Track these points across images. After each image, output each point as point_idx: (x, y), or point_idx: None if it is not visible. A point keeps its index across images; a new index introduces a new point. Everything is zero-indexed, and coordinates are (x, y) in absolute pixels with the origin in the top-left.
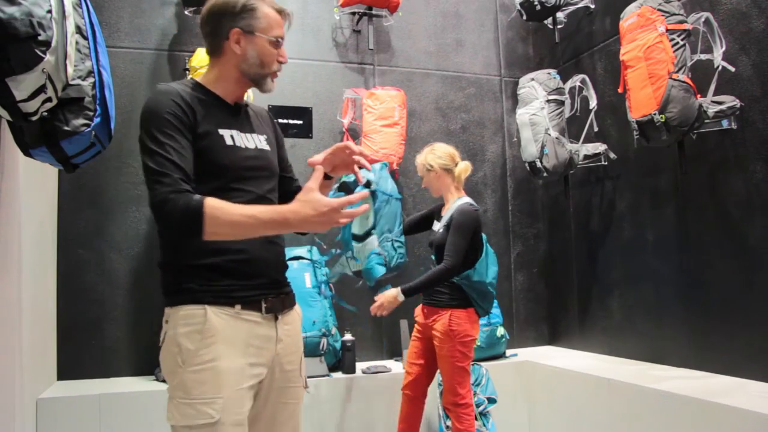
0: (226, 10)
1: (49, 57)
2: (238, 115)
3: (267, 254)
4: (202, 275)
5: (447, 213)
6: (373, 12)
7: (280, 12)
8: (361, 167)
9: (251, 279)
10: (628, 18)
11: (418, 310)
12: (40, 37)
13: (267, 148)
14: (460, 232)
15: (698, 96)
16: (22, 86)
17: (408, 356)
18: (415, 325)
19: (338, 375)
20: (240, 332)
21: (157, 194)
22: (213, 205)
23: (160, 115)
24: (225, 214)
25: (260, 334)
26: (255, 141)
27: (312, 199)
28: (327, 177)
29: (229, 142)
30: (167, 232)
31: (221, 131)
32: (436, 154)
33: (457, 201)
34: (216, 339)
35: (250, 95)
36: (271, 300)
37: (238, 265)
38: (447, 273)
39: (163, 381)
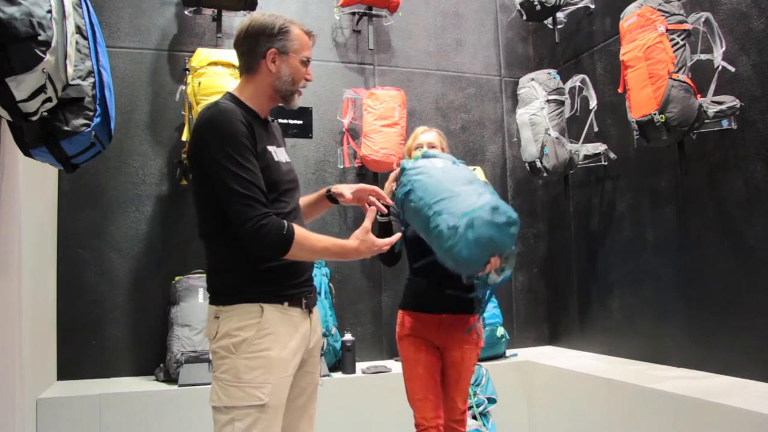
0: (264, 31)
1: (49, 57)
2: (269, 130)
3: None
4: (258, 278)
5: None
6: (373, 12)
7: (308, 34)
8: (371, 204)
9: (296, 279)
10: (628, 18)
11: (416, 323)
12: (40, 37)
13: (290, 160)
14: None
15: (698, 96)
16: (22, 86)
17: (428, 382)
18: (419, 342)
19: (338, 375)
20: (288, 326)
21: (249, 218)
22: (300, 234)
23: (238, 139)
24: (309, 243)
25: (302, 327)
26: (283, 155)
27: (368, 240)
28: (334, 201)
29: (275, 158)
30: (256, 251)
31: (269, 148)
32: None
33: None
34: (270, 331)
35: None
36: (308, 297)
37: (288, 268)
38: None
39: (163, 381)
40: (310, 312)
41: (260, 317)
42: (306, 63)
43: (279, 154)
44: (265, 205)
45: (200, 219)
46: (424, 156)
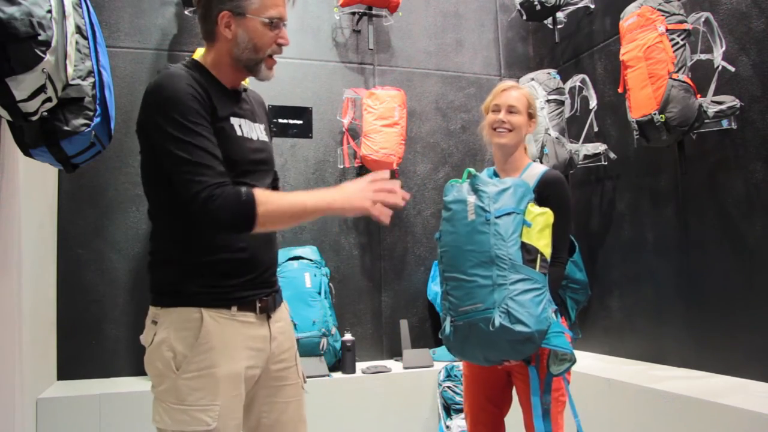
0: None
1: (49, 57)
2: (240, 102)
3: (265, 254)
4: (202, 275)
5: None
6: (373, 12)
7: None
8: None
9: (247, 279)
10: (628, 18)
11: None
12: (40, 37)
13: (266, 139)
14: (569, 213)
15: (698, 96)
16: (22, 86)
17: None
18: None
19: (338, 375)
20: (236, 336)
21: (200, 189)
22: (263, 197)
23: (186, 103)
24: (276, 205)
25: (256, 335)
26: (257, 131)
27: (353, 181)
28: None
29: (238, 132)
30: (214, 227)
31: (232, 120)
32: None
33: (534, 165)
34: (212, 345)
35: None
36: (264, 300)
37: (237, 264)
38: (564, 274)
39: None
40: (269, 316)
41: (199, 328)
42: (273, 25)
43: (248, 128)
44: (220, 174)
45: (147, 197)
46: (471, 184)
